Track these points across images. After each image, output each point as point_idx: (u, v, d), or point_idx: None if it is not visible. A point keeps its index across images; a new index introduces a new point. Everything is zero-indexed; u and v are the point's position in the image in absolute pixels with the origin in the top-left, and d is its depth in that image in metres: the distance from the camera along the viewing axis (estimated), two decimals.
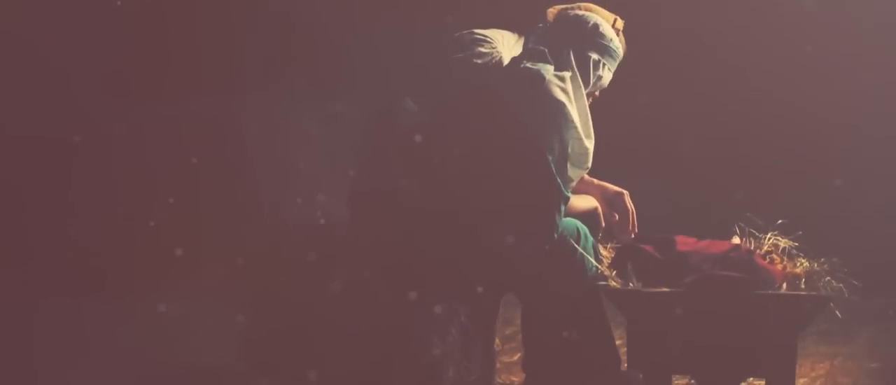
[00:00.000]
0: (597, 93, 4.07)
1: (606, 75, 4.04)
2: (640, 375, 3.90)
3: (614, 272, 3.90)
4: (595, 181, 4.19)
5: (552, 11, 4.09)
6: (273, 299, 3.85)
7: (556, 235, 3.84)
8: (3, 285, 5.28)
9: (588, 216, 4.06)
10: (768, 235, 4.08)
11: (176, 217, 5.52)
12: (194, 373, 4.25)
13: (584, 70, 3.96)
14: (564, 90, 3.87)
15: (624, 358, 3.98)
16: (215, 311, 4.37)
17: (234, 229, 5.37)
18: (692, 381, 4.13)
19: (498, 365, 4.37)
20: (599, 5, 4.11)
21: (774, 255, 4.01)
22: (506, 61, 3.97)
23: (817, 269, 3.88)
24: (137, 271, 5.34)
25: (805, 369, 4.61)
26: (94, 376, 4.34)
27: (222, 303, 4.15)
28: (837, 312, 3.84)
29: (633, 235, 4.13)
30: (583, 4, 4.11)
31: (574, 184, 3.97)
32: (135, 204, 5.68)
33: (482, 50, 3.96)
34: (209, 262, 5.02)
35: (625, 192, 4.18)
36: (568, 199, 3.86)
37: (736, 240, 4.07)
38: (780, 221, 4.08)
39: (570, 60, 3.94)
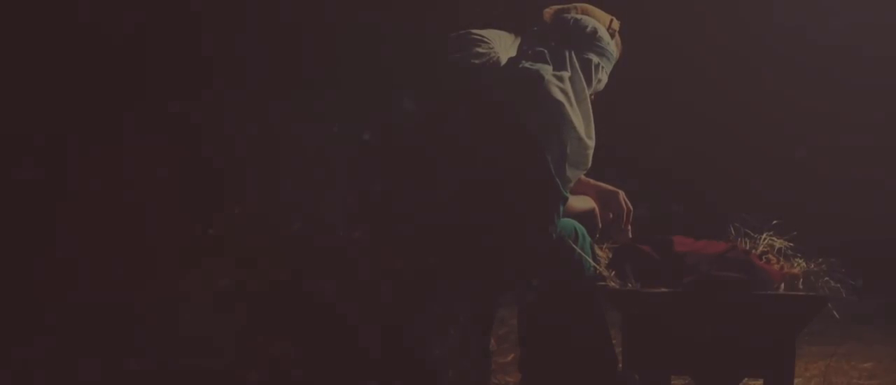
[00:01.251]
0: (593, 96, 4.07)
1: (604, 78, 4.05)
2: (637, 376, 3.90)
3: (613, 273, 3.90)
4: (590, 181, 4.19)
5: (549, 12, 4.09)
6: (271, 300, 3.84)
7: (554, 236, 3.84)
8: (2, 285, 5.26)
9: (585, 217, 4.06)
10: (763, 236, 4.08)
11: (167, 217, 5.50)
12: (194, 373, 4.24)
13: (586, 72, 3.96)
14: (563, 91, 3.87)
15: (620, 358, 3.98)
16: (212, 312, 4.36)
17: (227, 230, 5.36)
18: (690, 382, 4.13)
19: (493, 365, 4.36)
20: (594, 5, 4.12)
21: (770, 256, 4.02)
22: (503, 61, 3.97)
23: (815, 269, 3.89)
24: (129, 272, 5.32)
25: (800, 369, 4.62)
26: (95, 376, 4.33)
27: (219, 303, 4.14)
28: (834, 313, 3.85)
29: (629, 234, 4.13)
30: (579, 6, 4.11)
31: (572, 184, 3.97)
32: (127, 204, 5.65)
33: (479, 50, 3.97)
34: (203, 262, 5.00)
35: (620, 191, 4.18)
36: (566, 199, 3.86)
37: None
38: (774, 222, 4.09)
39: (572, 62, 3.94)
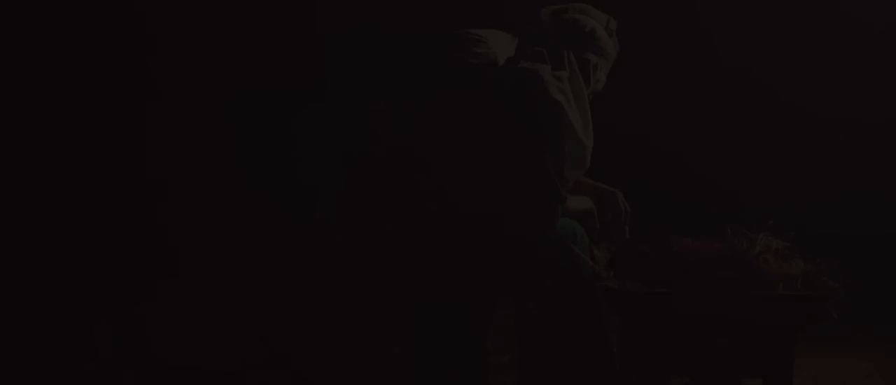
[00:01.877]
0: (591, 96, 4.07)
1: (602, 77, 4.05)
2: (635, 377, 3.90)
3: (611, 273, 3.90)
4: (588, 181, 4.19)
5: (546, 12, 4.10)
6: (272, 300, 3.84)
7: (552, 236, 3.84)
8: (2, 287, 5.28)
9: (583, 217, 4.06)
10: (761, 235, 4.08)
11: (168, 217, 5.51)
12: (194, 373, 4.25)
13: (585, 72, 3.96)
14: (562, 91, 3.87)
15: (618, 358, 3.98)
16: (212, 312, 4.37)
17: (228, 231, 5.37)
18: (689, 382, 4.13)
19: (489, 366, 4.36)
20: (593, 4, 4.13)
21: (767, 256, 4.02)
22: (501, 62, 3.96)
23: (813, 269, 3.89)
24: (134, 271, 5.34)
25: (797, 369, 4.59)
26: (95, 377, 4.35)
27: (219, 303, 4.15)
28: (833, 313, 3.85)
29: (627, 235, 4.13)
30: (577, 6, 4.11)
31: (571, 185, 3.97)
32: (129, 203, 5.67)
33: (477, 50, 3.96)
34: (203, 262, 5.02)
35: (618, 191, 4.18)
36: (565, 199, 3.86)
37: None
38: (771, 222, 4.09)
39: (570, 62, 3.94)
